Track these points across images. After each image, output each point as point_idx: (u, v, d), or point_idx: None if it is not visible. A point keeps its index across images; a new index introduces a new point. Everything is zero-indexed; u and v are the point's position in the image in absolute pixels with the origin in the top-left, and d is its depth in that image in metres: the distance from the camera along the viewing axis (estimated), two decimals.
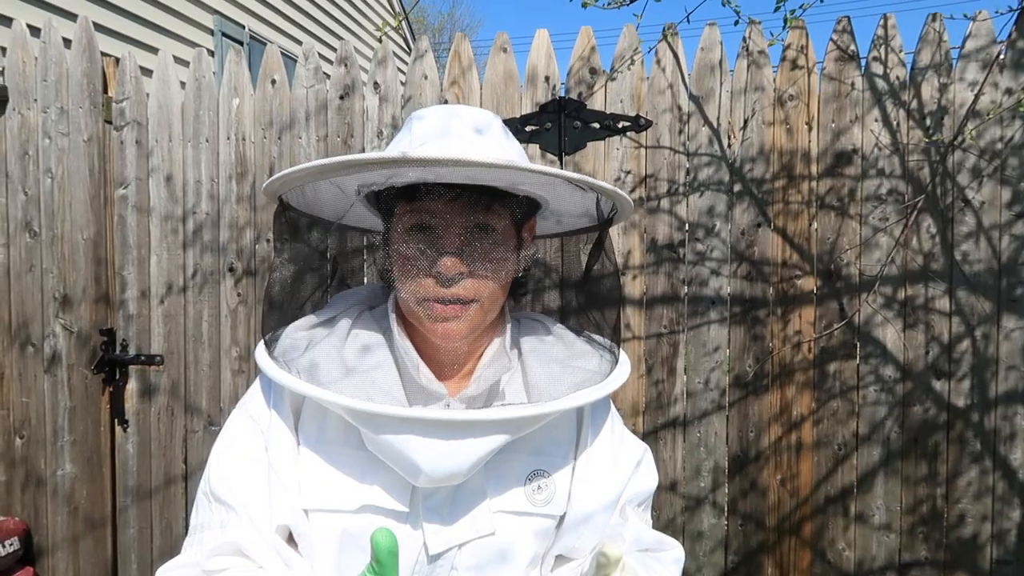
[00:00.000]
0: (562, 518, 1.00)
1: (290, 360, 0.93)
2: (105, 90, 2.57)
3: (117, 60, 2.58)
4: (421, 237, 0.90)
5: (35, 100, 2.57)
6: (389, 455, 0.89)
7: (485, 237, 0.91)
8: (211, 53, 5.37)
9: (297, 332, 0.97)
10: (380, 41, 2.44)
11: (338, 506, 0.92)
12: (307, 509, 0.93)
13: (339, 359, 0.92)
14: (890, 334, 2.29)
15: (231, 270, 2.54)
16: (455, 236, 0.89)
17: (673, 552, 1.06)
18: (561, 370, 0.96)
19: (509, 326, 1.03)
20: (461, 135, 0.92)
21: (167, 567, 0.94)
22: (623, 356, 1.03)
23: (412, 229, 0.91)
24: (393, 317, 0.97)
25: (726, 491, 2.39)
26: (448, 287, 0.89)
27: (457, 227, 0.90)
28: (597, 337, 1.05)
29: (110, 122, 2.56)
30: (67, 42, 2.56)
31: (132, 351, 2.58)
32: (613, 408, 1.09)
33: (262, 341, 0.98)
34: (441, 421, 0.86)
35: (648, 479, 1.08)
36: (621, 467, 1.04)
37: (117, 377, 2.59)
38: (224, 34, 5.64)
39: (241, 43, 5.83)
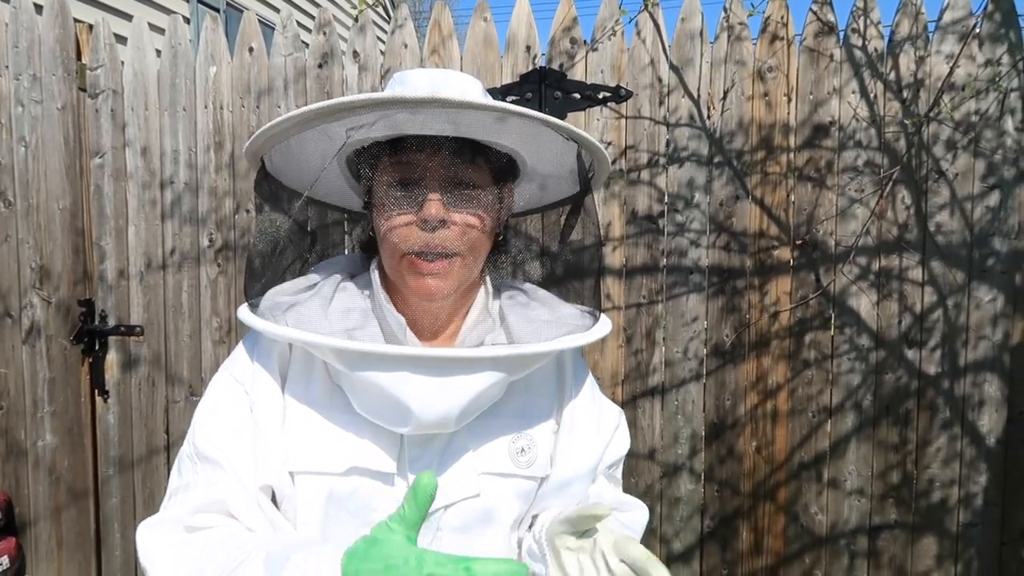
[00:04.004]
0: (543, 480, 1.03)
1: (276, 314, 0.93)
2: (79, 57, 2.52)
3: (91, 27, 2.53)
4: (405, 187, 0.91)
5: (6, 67, 2.52)
6: (377, 402, 0.90)
7: (467, 188, 0.92)
8: (186, 20, 5.28)
9: (280, 296, 0.97)
10: (356, 21, 2.42)
11: (325, 468, 0.92)
12: (293, 472, 0.93)
13: (323, 320, 0.93)
14: (864, 304, 2.33)
15: (210, 240, 2.52)
16: (438, 184, 0.91)
17: (634, 513, 1.09)
18: (544, 324, 0.98)
19: (491, 290, 1.04)
20: (440, 92, 0.93)
21: (149, 522, 0.91)
22: (604, 317, 1.05)
23: (396, 181, 0.92)
24: (377, 280, 0.98)
25: (703, 458, 2.44)
26: (432, 232, 0.90)
27: (440, 177, 0.91)
28: (577, 305, 1.08)
29: (84, 90, 2.52)
30: (38, 8, 2.50)
31: (111, 322, 2.57)
32: (591, 374, 1.12)
33: (245, 303, 0.97)
34: (433, 357, 0.87)
35: (623, 444, 1.11)
36: (602, 433, 1.07)
37: (97, 348, 2.58)
38: (200, 1, 5.54)
39: (217, 9, 5.73)
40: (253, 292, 0.98)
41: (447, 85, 0.94)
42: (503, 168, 0.98)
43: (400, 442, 0.94)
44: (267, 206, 1.01)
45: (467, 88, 0.96)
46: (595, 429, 1.06)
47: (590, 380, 1.10)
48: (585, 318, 1.02)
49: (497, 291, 1.06)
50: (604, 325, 1.02)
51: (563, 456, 1.02)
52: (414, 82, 0.95)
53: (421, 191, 0.91)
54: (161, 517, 0.91)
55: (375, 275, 0.99)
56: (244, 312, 0.95)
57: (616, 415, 1.11)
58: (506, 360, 0.91)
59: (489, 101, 0.84)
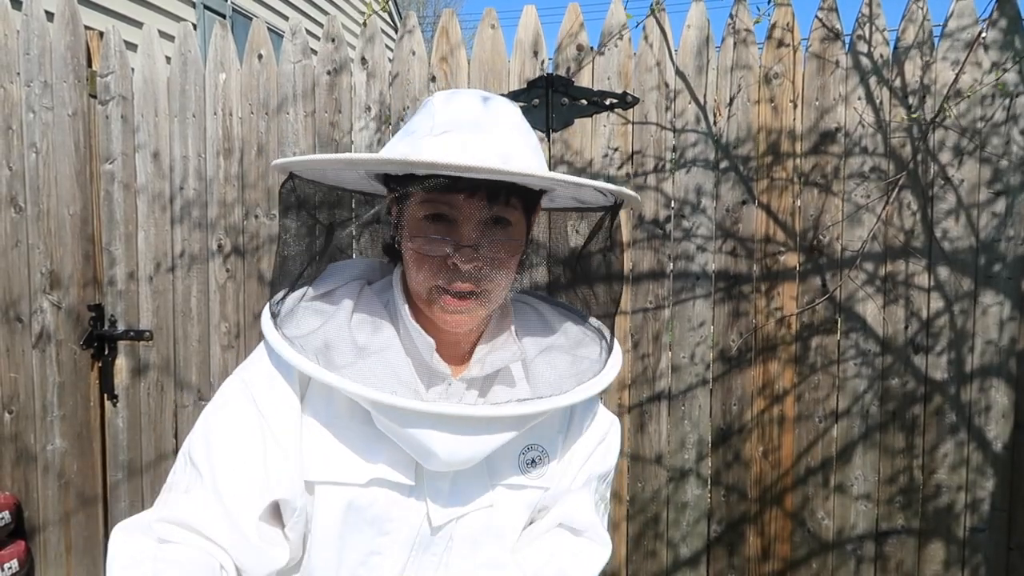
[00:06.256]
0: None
1: (302, 341, 0.92)
2: (89, 64, 2.55)
3: (101, 34, 2.55)
4: (438, 227, 0.90)
5: (18, 74, 2.54)
6: (403, 439, 0.90)
7: (501, 230, 0.92)
8: (193, 26, 5.30)
9: (300, 312, 0.96)
10: (364, 25, 2.44)
11: (347, 479, 0.93)
12: (315, 482, 0.93)
13: (348, 339, 0.93)
14: (871, 309, 2.34)
15: (219, 246, 2.54)
16: (473, 229, 0.89)
17: (591, 547, 1.07)
18: (563, 363, 0.99)
19: (512, 311, 1.04)
20: (482, 126, 0.90)
21: (125, 525, 0.92)
22: (616, 345, 1.06)
23: (429, 218, 0.91)
24: (400, 296, 0.98)
25: (710, 463, 2.45)
26: (463, 272, 0.90)
27: (475, 220, 0.89)
28: (589, 319, 1.08)
29: (95, 96, 2.54)
30: (49, 15, 2.52)
31: (121, 327, 2.58)
32: None
33: (270, 317, 0.96)
34: (464, 417, 0.89)
35: (608, 457, 1.10)
36: (588, 442, 1.08)
37: (106, 352, 2.59)
38: (206, 7, 5.57)
39: (223, 16, 5.76)
40: (274, 301, 0.98)
41: (492, 123, 0.91)
42: (533, 197, 0.97)
43: None
44: (291, 214, 1.00)
45: (508, 120, 0.93)
46: (584, 437, 1.07)
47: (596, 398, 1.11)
48: (600, 348, 1.03)
49: (515, 309, 1.06)
50: (616, 359, 1.03)
51: (560, 465, 1.04)
52: (448, 115, 0.91)
53: (455, 232, 0.89)
54: (136, 522, 0.92)
55: (399, 294, 0.98)
56: (271, 332, 0.94)
57: (605, 424, 1.10)
58: (532, 415, 0.94)
59: (545, 172, 0.85)
